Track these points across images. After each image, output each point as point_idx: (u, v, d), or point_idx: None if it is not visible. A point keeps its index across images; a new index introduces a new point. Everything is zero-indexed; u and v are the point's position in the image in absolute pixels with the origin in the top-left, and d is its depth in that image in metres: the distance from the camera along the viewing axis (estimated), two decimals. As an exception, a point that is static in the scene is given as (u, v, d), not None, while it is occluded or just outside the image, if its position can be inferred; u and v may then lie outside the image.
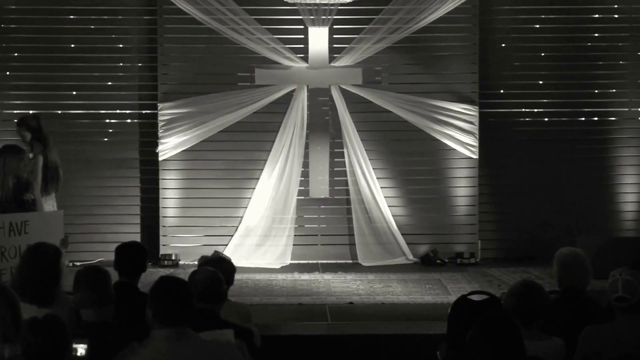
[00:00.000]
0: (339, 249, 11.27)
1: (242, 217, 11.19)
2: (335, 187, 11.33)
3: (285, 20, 11.25)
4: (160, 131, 11.09)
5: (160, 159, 11.13)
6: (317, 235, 11.39)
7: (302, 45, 11.26)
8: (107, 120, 11.45)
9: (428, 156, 11.39)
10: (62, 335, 3.75)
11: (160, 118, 11.09)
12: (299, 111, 11.19)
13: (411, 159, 11.36)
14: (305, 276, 10.28)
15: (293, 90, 11.24)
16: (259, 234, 11.08)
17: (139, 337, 4.01)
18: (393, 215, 11.25)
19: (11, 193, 7.93)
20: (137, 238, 10.59)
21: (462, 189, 11.36)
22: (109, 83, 11.38)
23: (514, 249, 11.42)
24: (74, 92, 11.39)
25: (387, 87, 11.34)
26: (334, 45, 11.25)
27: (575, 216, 11.35)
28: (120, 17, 11.38)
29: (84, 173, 11.28)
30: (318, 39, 11.20)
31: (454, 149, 11.27)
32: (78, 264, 9.80)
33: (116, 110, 11.46)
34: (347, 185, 11.25)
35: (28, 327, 3.74)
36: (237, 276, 6.35)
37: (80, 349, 3.99)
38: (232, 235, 11.15)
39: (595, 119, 11.61)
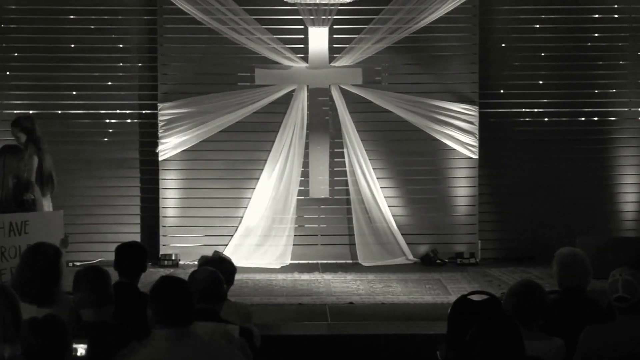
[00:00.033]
0: (339, 249, 11.27)
1: (242, 217, 11.19)
2: (335, 187, 11.33)
3: (285, 20, 11.26)
4: (160, 131, 11.10)
5: (160, 159, 11.13)
6: (317, 235, 11.39)
7: (302, 45, 11.26)
8: (107, 120, 11.45)
9: (428, 156, 11.39)
10: (62, 335, 3.74)
11: (160, 118, 11.09)
12: (299, 111, 11.19)
13: (411, 159, 11.36)
14: (305, 276, 10.28)
15: (293, 90, 11.24)
16: (259, 234, 11.08)
17: (139, 337, 4.01)
18: (393, 215, 11.25)
19: (11, 193, 7.93)
20: (137, 238, 10.59)
21: (462, 189, 11.36)
22: (109, 83, 11.38)
23: (514, 249, 11.42)
24: (74, 92, 11.39)
25: (387, 87, 11.34)
26: (334, 45, 11.25)
27: (575, 216, 11.35)
28: (120, 17, 11.38)
29: (84, 173, 11.28)
30: (318, 39, 11.20)
31: (454, 149, 11.27)
32: (78, 264, 9.79)
33: (116, 110, 11.46)
34: (347, 185, 11.25)
35: (28, 327, 3.74)
36: (237, 276, 6.35)
37: (80, 349, 3.98)
38: (232, 235, 11.15)
39: (595, 119, 11.61)
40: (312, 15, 11.07)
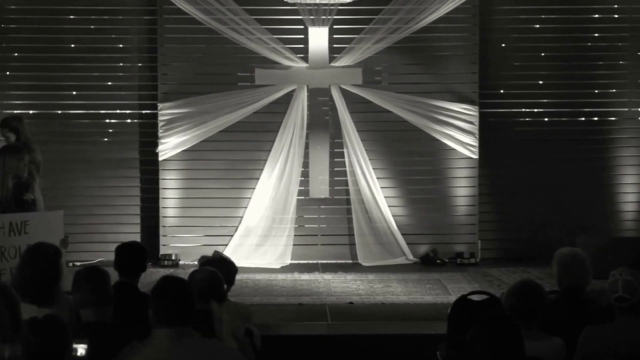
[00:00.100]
0: (339, 249, 11.27)
1: (242, 217, 11.19)
2: (335, 187, 11.33)
3: (285, 20, 11.25)
4: (160, 131, 11.09)
5: (160, 159, 11.13)
6: (317, 235, 11.39)
7: (302, 45, 11.26)
8: (107, 120, 11.45)
9: (428, 156, 11.39)
10: (62, 335, 3.74)
11: (160, 118, 11.09)
12: (299, 111, 11.19)
13: (411, 159, 11.36)
14: (305, 276, 10.28)
15: (293, 90, 11.24)
16: (259, 234, 11.08)
17: (139, 337, 4.01)
18: (393, 215, 11.25)
19: (11, 193, 7.93)
20: (137, 238, 10.58)
21: (462, 189, 11.35)
22: (109, 83, 11.38)
23: (514, 249, 11.42)
24: (74, 92, 11.39)
25: (387, 87, 11.34)
26: (334, 45, 11.25)
27: (575, 216, 11.34)
28: (120, 17, 11.37)
29: (84, 173, 11.28)
30: (318, 39, 11.20)
31: (454, 149, 11.27)
32: (78, 264, 9.79)
33: (116, 110, 11.46)
34: (347, 185, 11.25)
35: (28, 327, 3.74)
36: (237, 276, 6.35)
37: (80, 349, 3.99)
38: (232, 235, 11.14)
39: (595, 119, 11.60)
40: (312, 15, 11.07)
